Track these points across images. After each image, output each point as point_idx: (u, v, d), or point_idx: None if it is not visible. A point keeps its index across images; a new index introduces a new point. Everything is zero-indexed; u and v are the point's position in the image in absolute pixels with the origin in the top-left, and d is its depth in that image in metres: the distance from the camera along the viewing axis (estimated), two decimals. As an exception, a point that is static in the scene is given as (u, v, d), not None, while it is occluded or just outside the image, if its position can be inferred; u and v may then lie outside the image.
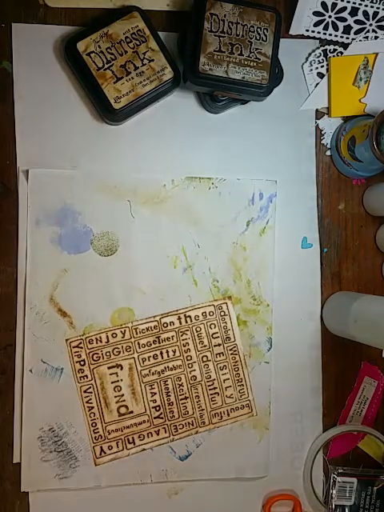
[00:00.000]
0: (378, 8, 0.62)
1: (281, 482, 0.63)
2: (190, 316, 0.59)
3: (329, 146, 0.64)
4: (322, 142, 0.64)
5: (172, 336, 0.59)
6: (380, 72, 0.63)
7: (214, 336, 0.60)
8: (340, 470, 0.63)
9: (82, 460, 0.58)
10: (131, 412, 0.58)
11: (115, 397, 0.58)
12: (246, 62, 0.56)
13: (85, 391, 0.57)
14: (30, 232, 0.57)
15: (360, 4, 0.61)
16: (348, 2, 0.61)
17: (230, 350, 0.60)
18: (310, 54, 0.63)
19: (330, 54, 0.63)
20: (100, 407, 0.57)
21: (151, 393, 0.59)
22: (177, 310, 0.59)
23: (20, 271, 0.57)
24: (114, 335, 0.58)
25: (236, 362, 0.60)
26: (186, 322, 0.59)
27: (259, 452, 0.61)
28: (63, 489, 0.58)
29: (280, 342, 0.62)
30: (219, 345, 0.60)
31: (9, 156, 0.57)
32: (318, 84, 0.63)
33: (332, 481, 0.63)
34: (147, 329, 0.58)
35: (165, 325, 0.59)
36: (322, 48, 0.63)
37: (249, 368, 0.61)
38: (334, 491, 0.62)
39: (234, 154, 0.62)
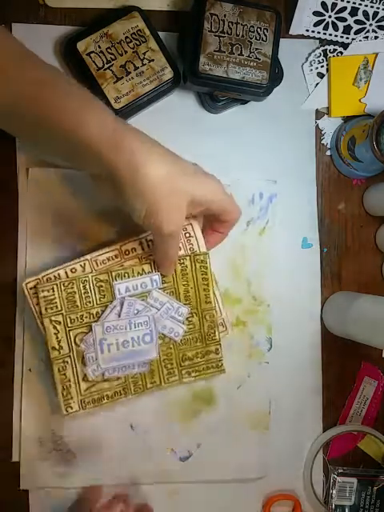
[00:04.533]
0: (378, 8, 0.62)
1: (281, 482, 0.63)
2: (152, 240, 0.55)
3: (329, 146, 0.64)
4: (322, 142, 0.64)
5: (135, 263, 0.55)
6: (380, 72, 0.63)
7: (181, 261, 0.56)
8: (340, 470, 0.63)
9: (79, 457, 0.57)
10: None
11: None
12: (245, 62, 0.56)
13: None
14: (29, 231, 0.57)
15: (360, 4, 0.61)
16: (348, 2, 0.61)
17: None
18: (310, 54, 0.63)
19: (330, 54, 0.63)
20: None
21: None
22: (138, 236, 0.55)
23: (20, 270, 0.57)
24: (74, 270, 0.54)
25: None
26: (148, 246, 0.55)
27: (259, 452, 0.61)
28: (62, 487, 0.58)
29: (280, 342, 0.62)
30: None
31: (9, 155, 0.57)
32: (317, 84, 0.63)
33: (332, 481, 0.63)
34: (108, 259, 0.54)
35: (127, 252, 0.55)
36: (322, 48, 0.63)
37: (219, 288, 0.58)
38: (334, 491, 0.62)
39: (234, 153, 0.62)
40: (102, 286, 0.53)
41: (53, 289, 0.52)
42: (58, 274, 0.53)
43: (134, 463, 0.59)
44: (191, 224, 0.55)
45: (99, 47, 0.55)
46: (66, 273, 0.54)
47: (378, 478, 0.63)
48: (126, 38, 0.56)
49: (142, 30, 0.56)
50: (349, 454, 0.65)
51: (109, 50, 0.56)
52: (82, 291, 0.53)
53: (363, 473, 0.63)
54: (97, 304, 0.53)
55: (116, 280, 0.54)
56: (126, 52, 0.56)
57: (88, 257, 0.54)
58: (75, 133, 0.42)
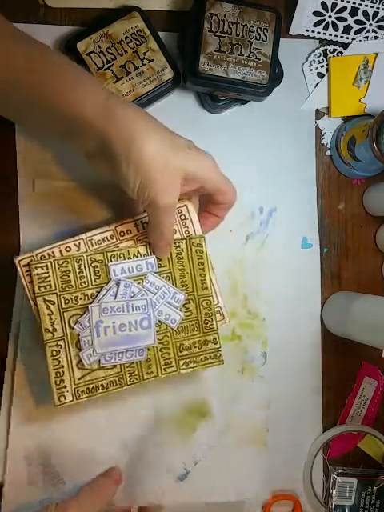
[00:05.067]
0: (378, 8, 0.62)
1: (281, 482, 0.63)
2: (146, 222, 0.54)
3: (329, 146, 0.64)
4: (322, 142, 0.64)
5: (130, 245, 0.54)
6: (380, 72, 0.63)
7: (176, 240, 0.55)
8: (340, 470, 0.63)
9: (68, 482, 0.56)
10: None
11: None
12: (246, 62, 0.56)
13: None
14: (27, 214, 0.57)
15: (360, 4, 0.61)
16: (348, 2, 0.61)
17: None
18: (310, 54, 0.63)
19: (330, 54, 0.63)
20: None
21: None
22: (134, 218, 0.54)
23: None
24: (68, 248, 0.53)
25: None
26: (144, 228, 0.54)
27: (257, 471, 0.60)
28: None
29: (280, 342, 0.62)
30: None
31: (9, 157, 0.57)
32: (317, 84, 0.63)
33: (332, 481, 0.63)
34: (103, 239, 0.53)
35: (122, 234, 0.54)
36: (322, 48, 0.63)
37: (216, 273, 0.57)
38: (334, 491, 0.62)
39: (234, 153, 0.62)
40: (96, 267, 0.52)
41: (47, 266, 0.51)
42: (52, 253, 0.52)
43: (130, 484, 0.57)
44: (186, 206, 0.54)
45: (99, 47, 0.55)
46: (60, 251, 0.52)
47: (378, 478, 0.63)
48: (126, 38, 0.56)
49: (142, 30, 0.56)
50: (349, 454, 0.65)
51: (109, 50, 0.56)
52: (77, 271, 0.52)
53: (363, 473, 0.63)
54: (92, 285, 0.52)
55: (111, 261, 0.52)
56: (125, 52, 0.56)
57: (83, 236, 0.53)
58: (70, 107, 0.43)
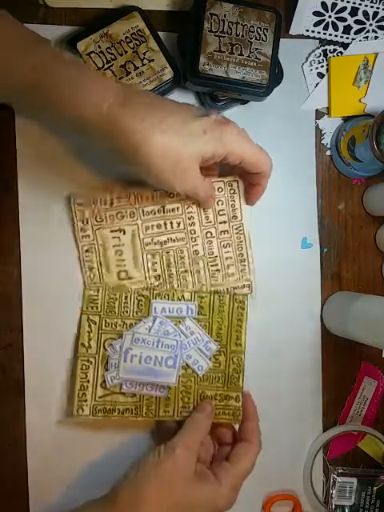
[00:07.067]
0: (378, 8, 0.62)
1: (281, 482, 0.63)
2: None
3: (329, 146, 0.64)
4: (322, 142, 0.64)
5: (177, 207, 0.57)
6: (380, 72, 0.63)
7: (221, 213, 0.58)
8: (340, 470, 0.63)
9: None
10: (130, 278, 0.57)
11: (116, 260, 0.56)
12: (246, 62, 0.56)
13: (86, 251, 0.56)
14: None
15: (360, 4, 0.61)
16: (348, 2, 0.61)
17: (236, 228, 0.58)
18: (310, 54, 0.63)
19: (329, 54, 0.63)
20: (100, 269, 0.56)
21: (152, 262, 0.57)
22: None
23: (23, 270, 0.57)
24: (119, 199, 0.56)
25: (240, 241, 0.58)
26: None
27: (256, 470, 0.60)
28: None
29: (280, 342, 0.62)
30: (225, 222, 0.58)
31: (9, 154, 0.57)
32: (318, 84, 0.63)
33: (332, 481, 0.63)
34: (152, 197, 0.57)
35: (171, 195, 0.56)
36: (322, 48, 0.63)
37: (252, 249, 0.59)
38: (334, 491, 0.62)
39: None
40: (141, 301, 0.56)
41: (98, 290, 0.56)
42: (105, 200, 0.56)
43: None
44: (237, 181, 0.57)
45: (99, 47, 0.55)
46: (111, 201, 0.56)
47: (378, 478, 0.63)
48: (126, 37, 0.56)
49: (142, 30, 0.56)
50: (349, 454, 0.65)
51: (109, 50, 0.56)
52: (123, 301, 0.56)
53: (363, 473, 0.63)
54: (132, 316, 0.56)
55: (155, 299, 0.56)
56: (125, 52, 0.56)
57: (135, 191, 0.56)
58: (74, 119, 0.44)
